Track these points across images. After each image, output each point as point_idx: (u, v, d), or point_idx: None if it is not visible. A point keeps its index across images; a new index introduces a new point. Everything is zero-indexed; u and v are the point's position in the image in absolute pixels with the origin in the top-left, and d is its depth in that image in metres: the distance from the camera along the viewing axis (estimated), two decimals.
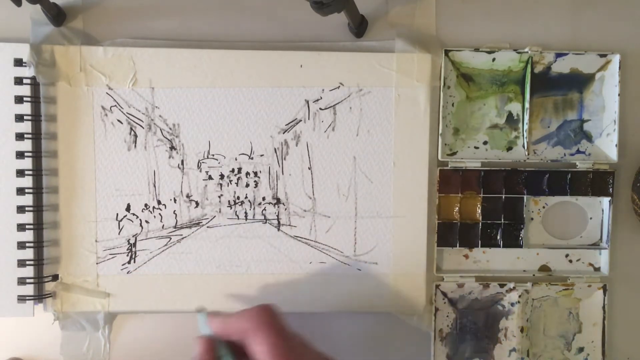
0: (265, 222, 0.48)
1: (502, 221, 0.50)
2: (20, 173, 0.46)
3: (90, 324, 0.48)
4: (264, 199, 0.48)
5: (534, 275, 0.50)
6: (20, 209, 0.46)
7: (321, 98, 0.48)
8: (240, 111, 0.48)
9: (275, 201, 0.48)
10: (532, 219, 0.50)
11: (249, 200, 0.48)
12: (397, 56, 0.48)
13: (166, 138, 0.47)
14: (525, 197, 0.50)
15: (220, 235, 0.48)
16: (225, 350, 0.39)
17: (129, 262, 0.47)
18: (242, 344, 0.38)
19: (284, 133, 0.48)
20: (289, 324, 0.39)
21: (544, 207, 0.50)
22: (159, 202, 0.48)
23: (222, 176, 0.48)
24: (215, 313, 0.40)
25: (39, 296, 0.46)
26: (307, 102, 0.48)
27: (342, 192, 0.48)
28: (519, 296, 0.49)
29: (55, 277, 0.47)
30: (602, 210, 0.50)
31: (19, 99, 0.46)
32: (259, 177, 0.48)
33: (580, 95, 0.50)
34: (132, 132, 0.47)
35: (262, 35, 0.48)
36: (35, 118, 0.46)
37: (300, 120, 0.48)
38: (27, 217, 0.46)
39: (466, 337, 0.50)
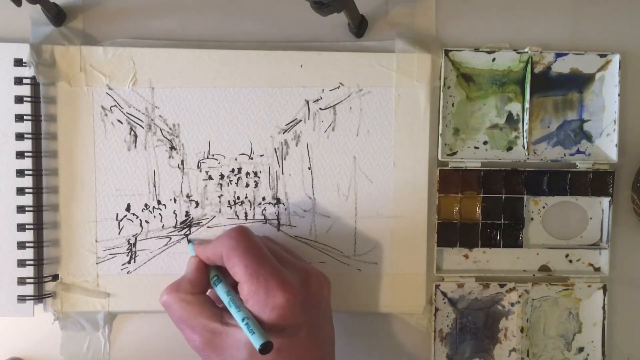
0: (265, 222, 0.48)
1: (502, 221, 0.50)
2: (20, 173, 0.46)
3: (90, 324, 0.48)
4: (264, 199, 0.48)
5: (534, 275, 0.50)
6: (20, 209, 0.46)
7: (321, 98, 0.48)
8: (240, 111, 0.48)
9: (275, 201, 0.48)
10: (532, 219, 0.50)
11: (249, 200, 0.48)
12: (397, 56, 0.48)
13: (166, 138, 0.47)
14: (525, 197, 0.50)
15: None
16: (214, 272, 0.41)
17: (129, 262, 0.47)
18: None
19: (284, 133, 0.48)
20: (265, 241, 0.42)
21: (544, 207, 0.50)
22: (159, 202, 0.48)
23: (222, 176, 0.48)
24: (202, 242, 0.43)
25: (39, 296, 0.46)
26: (307, 102, 0.48)
27: (342, 192, 0.48)
28: (519, 296, 0.49)
29: (55, 277, 0.47)
30: (602, 210, 0.50)
31: (19, 99, 0.46)
32: (259, 177, 0.48)
33: (580, 95, 0.50)
34: (132, 132, 0.47)
35: (262, 35, 0.48)
36: (35, 118, 0.46)
37: (300, 120, 0.48)
38: (27, 217, 0.46)
39: (466, 337, 0.50)
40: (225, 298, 0.39)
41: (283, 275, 0.39)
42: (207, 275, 0.41)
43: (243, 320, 0.37)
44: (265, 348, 0.36)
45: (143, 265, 0.48)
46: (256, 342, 0.36)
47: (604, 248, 0.50)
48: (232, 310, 0.38)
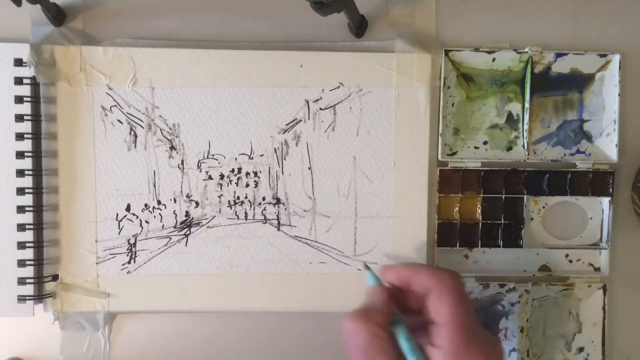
0: (265, 222, 0.48)
1: (502, 221, 0.50)
2: (20, 173, 0.46)
3: (90, 324, 0.48)
4: (264, 199, 0.48)
5: (534, 275, 0.50)
6: (20, 209, 0.46)
7: (321, 98, 0.48)
8: (240, 111, 0.48)
9: (275, 201, 0.48)
10: (532, 219, 0.50)
11: (249, 200, 0.48)
12: (397, 56, 0.48)
13: (166, 138, 0.47)
14: (525, 197, 0.50)
15: (220, 235, 0.48)
16: (395, 310, 0.38)
17: (129, 262, 0.47)
18: (411, 310, 0.38)
19: (284, 133, 0.48)
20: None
21: (544, 207, 0.50)
22: (159, 202, 0.48)
23: (222, 176, 0.48)
24: (389, 265, 0.40)
25: (39, 296, 0.46)
26: (307, 102, 0.48)
27: (342, 192, 0.48)
28: (519, 296, 0.49)
29: (55, 277, 0.47)
30: (602, 210, 0.50)
31: (19, 99, 0.46)
32: (259, 177, 0.48)
33: (580, 95, 0.50)
34: (132, 132, 0.47)
35: (262, 35, 0.48)
36: (35, 118, 0.46)
37: (300, 120, 0.48)
38: (27, 217, 0.46)
39: None
40: (405, 344, 0.36)
41: (486, 338, 0.36)
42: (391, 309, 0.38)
43: None
44: None
45: (143, 265, 0.48)
46: None
47: (604, 248, 0.50)
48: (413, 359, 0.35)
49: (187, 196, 0.48)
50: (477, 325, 0.37)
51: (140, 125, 0.47)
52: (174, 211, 0.48)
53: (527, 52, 0.48)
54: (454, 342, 0.35)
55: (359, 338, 0.36)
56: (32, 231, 0.46)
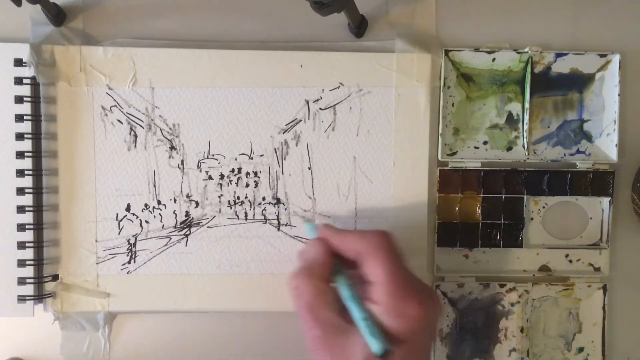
0: (265, 222, 0.48)
1: (502, 221, 0.50)
2: (20, 173, 0.46)
3: (90, 324, 0.48)
4: (264, 199, 0.48)
5: (534, 275, 0.50)
6: (20, 209, 0.46)
7: (321, 98, 0.48)
8: (240, 111, 0.48)
9: (275, 201, 0.48)
10: (532, 219, 0.50)
11: (249, 200, 0.48)
12: (397, 56, 0.48)
13: (166, 138, 0.47)
14: (525, 197, 0.50)
15: (220, 235, 0.48)
16: (336, 262, 0.39)
17: (129, 262, 0.47)
18: (350, 262, 0.39)
19: (284, 133, 0.48)
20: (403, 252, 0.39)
21: (544, 207, 0.50)
22: (159, 202, 0.48)
23: (222, 176, 0.48)
24: (327, 225, 0.41)
25: (39, 296, 0.46)
26: (307, 102, 0.48)
27: (342, 192, 0.48)
28: (519, 296, 0.49)
29: (55, 277, 0.47)
30: (602, 210, 0.50)
31: (19, 99, 0.46)
32: (259, 177, 0.48)
33: (580, 95, 0.50)
34: (132, 132, 0.47)
35: (262, 35, 0.48)
36: (35, 118, 0.46)
37: (300, 120, 0.48)
38: (27, 217, 0.46)
39: (466, 337, 0.50)
40: (346, 292, 0.37)
41: (421, 288, 0.37)
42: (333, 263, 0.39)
43: (364, 319, 0.35)
44: (385, 356, 0.34)
45: (143, 265, 0.48)
46: (376, 346, 0.34)
47: (604, 248, 0.50)
48: (353, 306, 0.36)
49: (187, 196, 0.48)
50: (410, 276, 0.38)
51: (140, 125, 0.47)
52: (174, 211, 0.48)
53: (527, 52, 0.48)
54: (390, 297, 0.36)
55: (304, 295, 0.37)
56: (32, 231, 0.46)
